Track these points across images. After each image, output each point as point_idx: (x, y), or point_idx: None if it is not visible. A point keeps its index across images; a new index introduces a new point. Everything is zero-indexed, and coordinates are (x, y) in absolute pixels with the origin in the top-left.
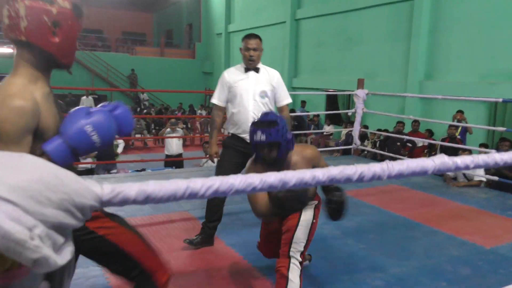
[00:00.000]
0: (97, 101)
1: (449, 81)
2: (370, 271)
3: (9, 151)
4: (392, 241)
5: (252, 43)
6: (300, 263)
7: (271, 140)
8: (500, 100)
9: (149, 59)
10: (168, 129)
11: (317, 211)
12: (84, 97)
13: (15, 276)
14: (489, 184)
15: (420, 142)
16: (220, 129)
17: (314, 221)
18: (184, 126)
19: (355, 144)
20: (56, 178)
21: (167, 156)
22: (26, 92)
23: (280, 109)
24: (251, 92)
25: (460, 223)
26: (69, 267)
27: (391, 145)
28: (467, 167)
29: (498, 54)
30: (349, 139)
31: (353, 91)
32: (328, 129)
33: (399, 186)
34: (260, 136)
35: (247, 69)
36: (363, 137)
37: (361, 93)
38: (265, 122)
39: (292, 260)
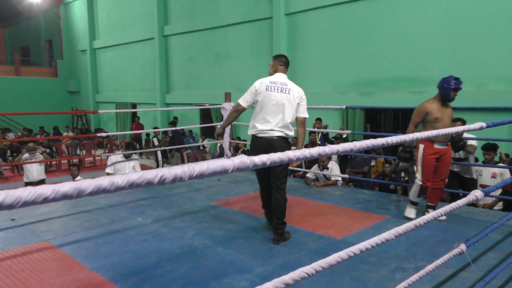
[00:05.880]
0: None
1: (308, 92)
2: (237, 274)
3: None
4: (258, 244)
5: None
6: None
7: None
8: (344, 107)
9: (1, 79)
10: (26, 155)
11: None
12: None
13: None
14: (347, 182)
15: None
16: None
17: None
18: (47, 150)
19: (226, 155)
20: None
21: (27, 183)
22: None
23: None
24: None
25: (318, 219)
26: None
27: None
28: (264, 164)
29: (346, 67)
30: (222, 151)
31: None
32: (203, 143)
33: None
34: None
35: None
36: (237, 148)
37: (227, 106)
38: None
39: None
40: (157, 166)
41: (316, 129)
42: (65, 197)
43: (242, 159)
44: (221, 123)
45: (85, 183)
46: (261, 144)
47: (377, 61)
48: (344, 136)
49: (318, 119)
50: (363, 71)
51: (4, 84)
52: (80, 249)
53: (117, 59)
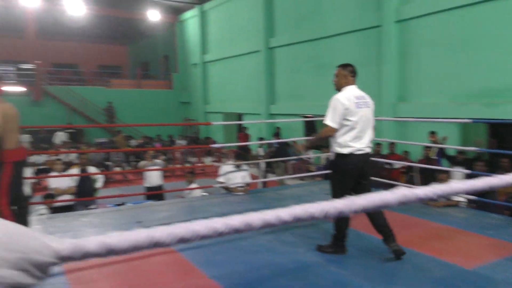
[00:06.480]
0: (73, 135)
1: (421, 103)
2: None
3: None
4: (374, 265)
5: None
6: None
7: None
8: (470, 121)
9: (125, 91)
10: (146, 161)
11: None
12: (58, 132)
13: None
14: (469, 203)
15: (398, 163)
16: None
17: None
18: (164, 157)
19: None
20: (12, 237)
21: (148, 188)
22: None
23: None
24: None
25: (441, 244)
26: None
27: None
28: (427, 197)
29: (466, 76)
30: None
31: None
32: (308, 155)
33: None
34: None
35: None
36: None
37: None
38: None
39: None
40: (263, 176)
41: (438, 145)
42: (236, 231)
43: (403, 192)
44: (310, 138)
45: (252, 217)
46: (356, 162)
47: (504, 67)
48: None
49: (432, 132)
50: (486, 79)
51: (127, 95)
52: (198, 255)
53: (225, 71)
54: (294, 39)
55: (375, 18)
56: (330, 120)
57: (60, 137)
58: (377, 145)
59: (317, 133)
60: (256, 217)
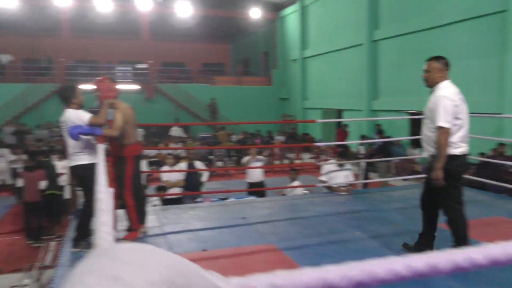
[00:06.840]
0: (183, 129)
1: None
2: None
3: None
4: (500, 282)
5: (424, 65)
6: None
7: None
8: None
9: (227, 88)
10: (249, 157)
11: None
12: (174, 127)
13: None
14: None
15: None
16: None
17: None
18: (266, 153)
19: None
20: (180, 276)
21: (250, 184)
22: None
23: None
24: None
25: None
26: None
27: (491, 170)
28: None
29: None
30: None
31: None
32: (415, 156)
33: (506, 218)
34: None
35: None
36: None
37: None
38: None
39: None
40: (363, 176)
41: None
42: (420, 274)
43: None
44: (438, 164)
45: (439, 259)
46: (465, 163)
47: None
48: None
49: None
50: None
51: (229, 92)
52: (303, 256)
53: (325, 66)
54: (400, 30)
55: (499, 2)
56: (444, 122)
57: (175, 131)
58: (500, 145)
59: (438, 149)
60: (444, 258)
